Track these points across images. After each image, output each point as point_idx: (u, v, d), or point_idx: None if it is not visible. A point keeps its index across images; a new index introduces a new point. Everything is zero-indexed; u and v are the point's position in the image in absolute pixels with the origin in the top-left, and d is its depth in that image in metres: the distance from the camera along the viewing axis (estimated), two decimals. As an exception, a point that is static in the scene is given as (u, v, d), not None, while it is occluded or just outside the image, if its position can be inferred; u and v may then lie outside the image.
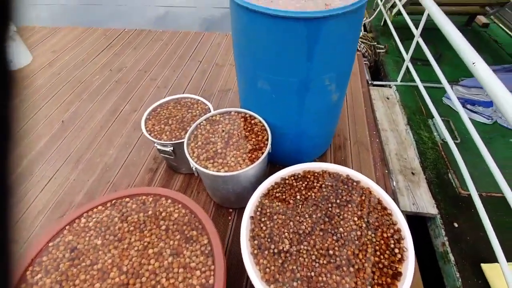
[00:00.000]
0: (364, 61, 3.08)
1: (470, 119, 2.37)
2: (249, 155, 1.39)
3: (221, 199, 1.62)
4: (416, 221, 1.79)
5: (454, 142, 1.73)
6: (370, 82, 2.76)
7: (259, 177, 1.48)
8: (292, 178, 1.44)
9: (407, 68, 2.48)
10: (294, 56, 1.14)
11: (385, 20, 3.64)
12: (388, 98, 2.53)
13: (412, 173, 1.91)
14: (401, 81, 2.69)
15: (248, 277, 1.41)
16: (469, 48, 1.50)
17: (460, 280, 1.47)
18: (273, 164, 1.86)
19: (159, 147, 1.58)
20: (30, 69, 2.77)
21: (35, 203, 1.64)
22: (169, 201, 1.34)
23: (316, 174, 1.45)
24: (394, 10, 3.36)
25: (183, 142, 1.53)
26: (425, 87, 2.15)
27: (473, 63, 1.42)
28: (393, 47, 3.29)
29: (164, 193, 1.37)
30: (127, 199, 1.35)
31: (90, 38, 3.25)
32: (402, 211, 1.71)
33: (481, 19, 3.68)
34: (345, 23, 1.06)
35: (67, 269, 1.13)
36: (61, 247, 1.20)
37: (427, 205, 1.74)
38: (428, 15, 1.97)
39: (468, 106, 2.44)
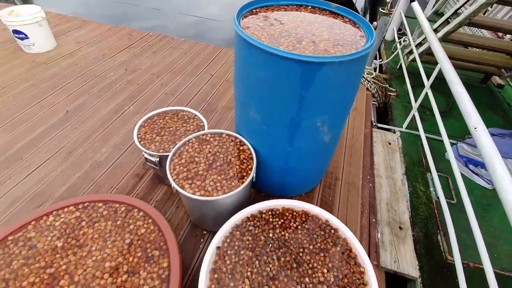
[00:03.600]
0: (373, 101, 3.02)
1: (470, 180, 2.26)
2: (229, 182, 1.33)
3: (197, 219, 1.56)
4: (396, 280, 1.66)
5: (450, 202, 1.63)
6: (374, 124, 2.68)
7: (237, 205, 1.41)
8: (270, 213, 1.36)
9: (414, 116, 2.40)
10: (286, 96, 1.10)
11: (401, 64, 3.60)
12: (389, 144, 2.44)
13: (400, 228, 1.80)
14: (406, 128, 2.61)
15: None
16: (474, 112, 1.42)
17: None
18: (259, 191, 1.79)
19: (146, 156, 1.54)
20: (50, 55, 2.83)
21: (15, 188, 1.62)
22: (141, 213, 1.29)
23: (295, 213, 1.37)
24: (411, 57, 3.32)
25: (167, 156, 1.50)
26: (430, 138, 2.06)
27: (475, 128, 1.34)
28: (405, 92, 3.22)
29: (138, 205, 1.32)
30: (100, 204, 1.31)
31: (115, 36, 3.33)
32: (382, 267, 1.60)
33: (497, 79, 3.59)
34: (342, 71, 1.01)
35: (19, 267, 1.08)
36: (20, 242, 1.15)
37: (409, 266, 1.61)
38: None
39: (471, 167, 2.32)
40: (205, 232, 1.57)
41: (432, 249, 1.73)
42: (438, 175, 1.81)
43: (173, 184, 1.28)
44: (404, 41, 3.67)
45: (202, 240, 1.54)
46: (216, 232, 1.23)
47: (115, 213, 1.29)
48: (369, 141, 2.39)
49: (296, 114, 1.21)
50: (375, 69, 3.55)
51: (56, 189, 1.65)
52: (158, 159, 1.53)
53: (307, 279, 1.14)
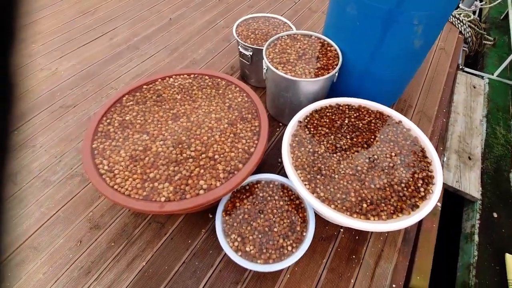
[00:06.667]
0: (464, 47, 2.73)
1: None
2: (316, 71, 1.45)
3: (276, 110, 1.75)
4: (451, 200, 1.69)
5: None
6: (461, 67, 2.47)
7: (318, 95, 1.54)
8: (346, 106, 1.47)
9: (511, 63, 2.15)
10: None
11: (506, 14, 3.09)
12: (474, 87, 2.26)
13: (469, 158, 1.76)
14: (497, 76, 2.35)
15: (281, 162, 1.56)
16: None
17: (475, 258, 1.41)
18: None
19: (241, 49, 1.73)
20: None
21: (136, 68, 1.99)
22: (237, 88, 1.51)
23: (369, 111, 1.46)
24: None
25: (262, 49, 1.66)
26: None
27: None
28: (504, 43, 2.82)
29: (235, 82, 1.53)
30: (207, 77, 1.56)
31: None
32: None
33: None
34: None
35: (151, 105, 1.41)
36: (150, 91, 1.47)
37: (471, 188, 1.62)
38: None
39: None
40: (280, 125, 1.77)
41: (500, 182, 1.68)
42: None
43: (269, 65, 1.46)
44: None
45: (277, 129, 1.74)
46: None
47: (217, 85, 1.53)
48: (451, 81, 2.24)
49: (396, 5, 1.23)
50: (473, 13, 3.10)
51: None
52: (251, 53, 1.70)
53: (375, 156, 1.26)
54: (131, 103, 1.41)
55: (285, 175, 1.31)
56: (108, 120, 1.32)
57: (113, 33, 2.26)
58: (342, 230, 1.32)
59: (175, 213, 1.31)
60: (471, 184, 1.63)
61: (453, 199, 1.68)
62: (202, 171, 1.16)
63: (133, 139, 1.26)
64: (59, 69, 1.93)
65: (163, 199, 1.07)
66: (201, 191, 1.09)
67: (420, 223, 1.44)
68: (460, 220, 1.69)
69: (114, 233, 1.25)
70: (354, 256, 1.24)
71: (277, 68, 1.45)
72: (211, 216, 1.33)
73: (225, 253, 1.21)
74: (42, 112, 1.67)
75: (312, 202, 1.09)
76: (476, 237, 1.47)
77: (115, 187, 1.09)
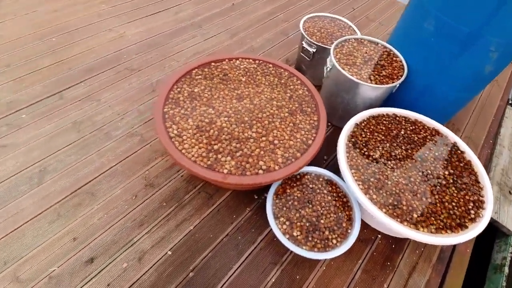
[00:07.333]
0: (517, 83, 2.65)
1: None
2: (381, 78, 1.47)
3: (329, 109, 1.76)
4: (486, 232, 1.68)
5: None
6: (510, 102, 2.41)
7: (374, 102, 1.56)
8: (403, 118, 1.48)
9: None
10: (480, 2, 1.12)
11: None
12: (523, 124, 2.21)
13: (510, 192, 1.74)
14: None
15: (326, 159, 1.58)
16: None
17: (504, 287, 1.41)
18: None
19: (305, 45, 1.76)
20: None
21: (197, 45, 2.05)
22: (299, 81, 1.54)
23: (426, 126, 1.46)
24: None
25: (326, 48, 1.68)
26: None
27: None
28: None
29: (298, 74, 1.55)
30: (271, 65, 1.60)
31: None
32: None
33: None
34: None
35: (217, 82, 1.46)
36: (218, 69, 1.52)
37: (509, 221, 1.61)
38: None
39: None
40: (329, 124, 1.79)
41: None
42: None
43: (335, 63, 1.48)
44: None
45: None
46: (341, 128, 1.41)
47: (280, 74, 1.57)
48: (501, 113, 2.20)
49: (478, 29, 1.23)
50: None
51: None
52: (315, 49, 1.73)
53: (428, 171, 1.27)
54: (199, 77, 1.47)
55: (332, 171, 1.34)
56: (178, 89, 1.38)
57: (178, 9, 2.33)
58: (380, 236, 1.34)
59: (233, 187, 1.35)
60: (508, 218, 1.61)
61: (485, 229, 1.67)
62: (262, 152, 1.20)
63: (200, 110, 1.32)
64: (127, 33, 2.02)
65: (225, 171, 1.12)
66: (260, 171, 1.14)
67: (455, 245, 1.44)
68: (489, 250, 1.68)
69: (166, 194, 1.31)
70: (389, 263, 1.26)
71: (343, 69, 1.47)
72: (256, 197, 1.37)
73: (266, 234, 1.26)
74: (109, 71, 1.75)
75: (364, 202, 1.11)
76: (506, 269, 1.47)
77: (183, 151, 1.15)
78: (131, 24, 2.09)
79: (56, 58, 1.77)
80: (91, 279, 1.06)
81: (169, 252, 1.16)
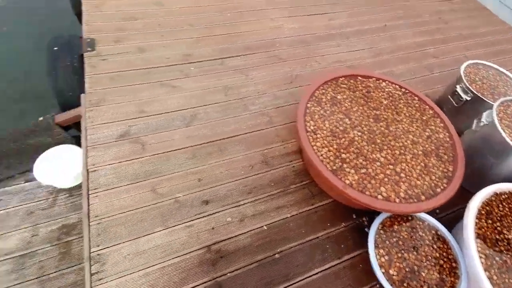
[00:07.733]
0: None
1: None
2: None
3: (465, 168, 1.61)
4: None
5: None
6: None
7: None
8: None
9: None
10: None
11: None
12: None
13: None
14: None
15: (438, 212, 1.46)
16: None
17: None
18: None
19: (459, 89, 1.60)
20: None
21: (347, 54, 2.12)
22: (442, 124, 1.43)
23: None
24: None
25: (484, 101, 1.51)
26: None
27: None
28: None
29: (443, 117, 1.44)
30: (416, 98, 1.52)
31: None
32: None
33: None
34: None
35: (359, 97, 1.47)
36: (363, 84, 1.54)
37: None
38: None
39: None
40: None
41: None
42: None
43: (496, 122, 1.32)
44: None
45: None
46: (466, 189, 1.25)
47: (423, 110, 1.49)
48: None
49: None
50: None
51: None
52: (469, 98, 1.57)
53: None
54: (344, 86, 1.52)
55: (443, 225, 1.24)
56: (323, 91, 1.47)
57: (333, 16, 2.43)
58: (475, 319, 1.19)
59: (343, 199, 1.35)
60: None
61: None
62: (386, 179, 1.19)
63: (337, 117, 1.38)
64: (284, 26, 2.22)
65: (347, 181, 1.15)
66: (380, 196, 1.14)
67: None
68: None
69: (276, 177, 1.43)
70: None
71: (503, 130, 1.31)
72: (354, 216, 1.37)
73: (353, 256, 1.25)
74: (262, 53, 1.97)
75: (483, 279, 1.00)
76: None
77: (314, 148, 1.23)
78: (289, 19, 2.29)
79: (227, 30, 2.09)
80: (203, 217, 1.26)
81: (265, 227, 1.27)
